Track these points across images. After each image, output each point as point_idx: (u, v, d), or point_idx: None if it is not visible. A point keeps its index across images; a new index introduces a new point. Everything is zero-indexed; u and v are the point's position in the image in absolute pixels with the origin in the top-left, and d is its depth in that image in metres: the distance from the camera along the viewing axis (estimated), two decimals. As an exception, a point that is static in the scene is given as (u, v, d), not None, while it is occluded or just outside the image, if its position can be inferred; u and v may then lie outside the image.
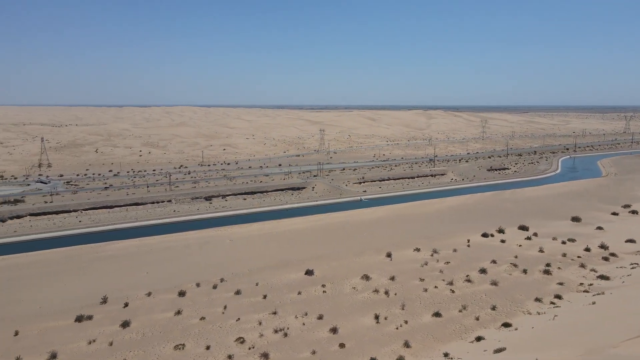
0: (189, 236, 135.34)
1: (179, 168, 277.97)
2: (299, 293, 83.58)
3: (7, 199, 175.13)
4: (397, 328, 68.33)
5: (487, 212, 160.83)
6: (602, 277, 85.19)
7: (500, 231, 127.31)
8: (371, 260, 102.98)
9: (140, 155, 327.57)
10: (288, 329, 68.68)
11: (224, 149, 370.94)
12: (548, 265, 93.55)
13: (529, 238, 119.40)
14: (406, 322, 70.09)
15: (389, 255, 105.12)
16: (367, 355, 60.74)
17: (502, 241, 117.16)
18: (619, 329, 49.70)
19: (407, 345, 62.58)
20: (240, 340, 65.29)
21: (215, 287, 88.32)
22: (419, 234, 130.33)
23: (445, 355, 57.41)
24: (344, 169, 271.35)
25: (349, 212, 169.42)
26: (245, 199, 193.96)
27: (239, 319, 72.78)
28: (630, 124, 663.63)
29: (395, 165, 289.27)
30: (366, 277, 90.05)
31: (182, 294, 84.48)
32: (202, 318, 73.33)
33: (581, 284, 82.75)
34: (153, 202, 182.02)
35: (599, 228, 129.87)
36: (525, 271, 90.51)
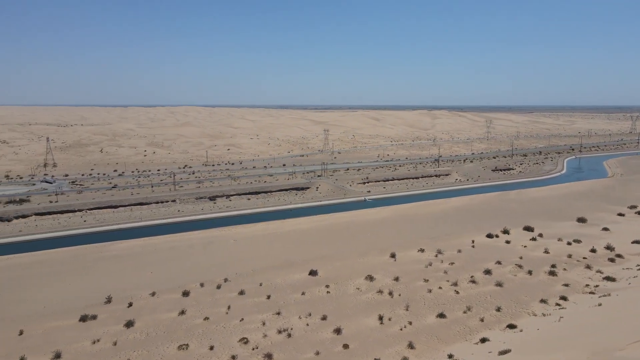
0: (193, 236, 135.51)
1: (184, 168, 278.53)
2: (303, 293, 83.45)
3: (12, 198, 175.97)
4: (401, 329, 68.07)
5: (491, 213, 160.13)
6: (608, 278, 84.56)
7: (505, 232, 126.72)
8: (375, 260, 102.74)
9: (145, 155, 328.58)
10: (292, 329, 68.57)
11: (228, 149, 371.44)
12: (553, 266, 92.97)
13: (534, 239, 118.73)
14: (410, 323, 69.82)
15: (393, 255, 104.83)
16: (371, 356, 60.53)
17: (507, 242, 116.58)
18: (626, 331, 49.21)
19: (411, 346, 62.32)
20: (244, 341, 65.24)
21: (219, 287, 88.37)
22: (423, 235, 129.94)
23: (450, 356, 57.11)
24: (348, 169, 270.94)
25: (353, 212, 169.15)
26: (249, 199, 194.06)
27: (242, 319, 72.75)
28: (636, 124, 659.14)
29: (400, 166, 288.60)
30: (370, 278, 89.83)
31: (186, 294, 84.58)
32: (206, 318, 73.35)
33: (587, 285, 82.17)
34: (157, 202, 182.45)
35: (605, 229, 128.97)
36: (530, 272, 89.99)
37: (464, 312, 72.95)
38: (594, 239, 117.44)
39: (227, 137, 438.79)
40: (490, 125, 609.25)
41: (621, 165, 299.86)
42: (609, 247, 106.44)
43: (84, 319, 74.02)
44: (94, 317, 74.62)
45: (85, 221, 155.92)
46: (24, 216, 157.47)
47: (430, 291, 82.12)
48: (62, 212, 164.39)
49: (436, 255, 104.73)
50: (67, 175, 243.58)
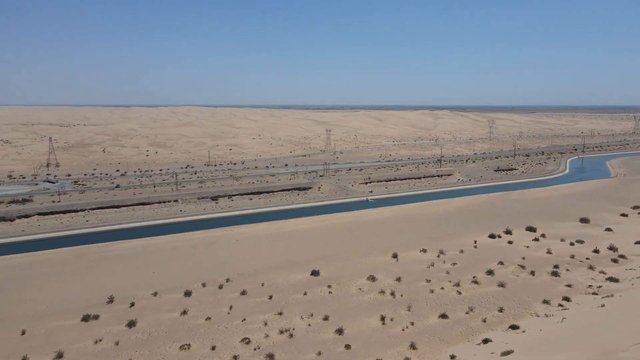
0: (195, 236, 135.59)
1: (186, 168, 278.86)
2: (305, 294, 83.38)
3: (15, 198, 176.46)
4: (403, 329, 67.92)
5: (494, 213, 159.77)
6: (611, 279, 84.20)
7: (508, 232, 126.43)
8: (377, 260, 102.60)
9: (147, 155, 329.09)
10: (294, 329, 68.50)
11: (231, 149, 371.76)
12: (556, 266, 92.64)
13: (536, 239, 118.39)
14: (412, 323, 69.66)
15: (395, 256, 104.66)
16: (373, 356, 60.40)
17: (510, 242, 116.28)
18: (629, 332, 48.97)
19: (413, 346, 62.16)
20: (246, 341, 65.20)
21: (221, 287, 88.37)
22: (425, 235, 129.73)
23: (452, 357, 56.94)
24: (350, 169, 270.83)
25: (355, 212, 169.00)
26: (251, 199, 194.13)
27: (244, 319, 72.72)
28: (639, 125, 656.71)
29: (402, 166, 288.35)
30: (372, 278, 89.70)
31: (188, 294, 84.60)
32: (208, 318, 73.34)
33: (590, 286, 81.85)
34: (160, 202, 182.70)
35: (608, 229, 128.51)
36: (533, 273, 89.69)
37: (466, 313, 72.74)
38: (597, 239, 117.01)
39: (230, 137, 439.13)
40: (493, 125, 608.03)
41: (624, 165, 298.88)
42: (612, 248, 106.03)
43: (86, 318, 74.12)
44: (96, 317, 74.71)
45: (87, 221, 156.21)
46: (26, 216, 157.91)
47: (432, 291, 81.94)
48: (64, 212, 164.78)
49: (438, 256, 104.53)
50: (69, 175, 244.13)
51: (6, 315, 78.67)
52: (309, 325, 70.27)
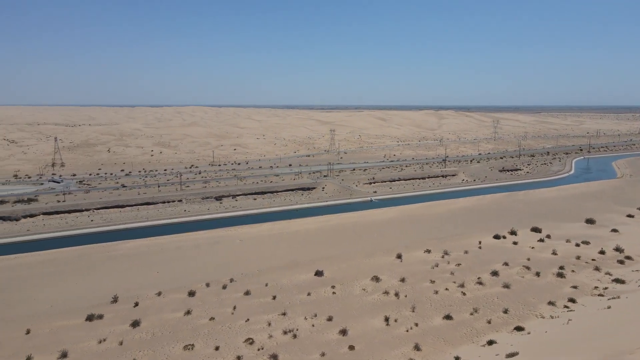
0: (199, 236, 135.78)
1: (190, 168, 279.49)
2: (309, 294, 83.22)
3: (21, 197, 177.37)
4: (407, 330, 67.63)
5: (498, 214, 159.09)
6: (617, 280, 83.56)
7: (513, 233, 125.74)
8: (381, 261, 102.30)
9: (152, 155, 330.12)
10: (297, 330, 68.36)
11: (235, 149, 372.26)
12: (561, 268, 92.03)
13: (541, 240, 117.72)
14: (416, 324, 69.34)
15: (399, 256, 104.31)
16: (377, 357, 60.17)
17: (515, 243, 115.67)
18: (636, 334, 48.52)
19: (417, 348, 61.86)
20: (250, 341, 65.12)
21: (224, 287, 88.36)
22: (429, 235, 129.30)
23: (456, 358, 56.60)
24: (354, 169, 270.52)
25: (359, 212, 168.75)
26: (255, 199, 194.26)
27: (248, 319, 72.64)
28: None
29: (406, 166, 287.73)
30: (376, 279, 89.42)
31: (191, 294, 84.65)
32: (212, 318, 73.32)
33: (596, 287, 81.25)
34: (164, 202, 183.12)
35: (614, 230, 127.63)
36: (538, 274, 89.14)
37: (471, 314, 72.36)
38: (602, 240, 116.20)
39: (234, 137, 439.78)
40: (498, 125, 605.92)
41: (630, 165, 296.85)
42: (618, 249, 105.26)
43: (90, 318, 74.27)
44: (100, 317, 74.85)
45: (92, 221, 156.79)
46: (31, 215, 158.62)
47: (436, 292, 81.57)
48: (69, 212, 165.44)
49: (443, 256, 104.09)
50: (74, 175, 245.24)
51: (11, 315, 79.04)
52: (313, 325, 70.11)
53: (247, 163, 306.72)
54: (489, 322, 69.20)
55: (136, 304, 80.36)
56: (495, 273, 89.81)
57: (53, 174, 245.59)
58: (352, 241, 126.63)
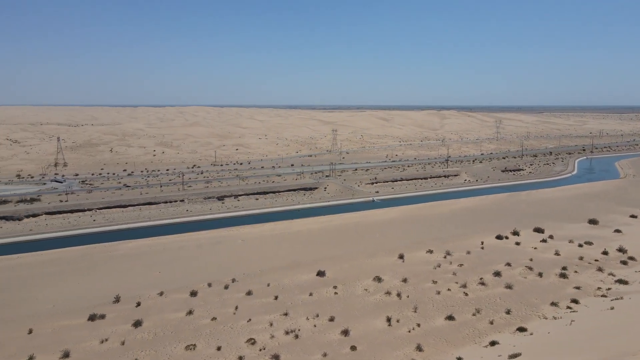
0: (201, 236, 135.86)
1: (192, 168, 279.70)
2: (311, 294, 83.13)
3: (23, 197, 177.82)
4: (409, 331, 67.48)
5: (501, 214, 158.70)
6: (620, 281, 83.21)
7: (515, 233, 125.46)
8: (383, 261, 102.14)
9: (154, 155, 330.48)
10: (299, 330, 68.29)
11: (237, 149, 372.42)
12: (564, 268, 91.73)
13: (544, 240, 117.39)
14: (419, 325, 69.18)
15: (401, 256, 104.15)
16: (379, 358, 60.05)
17: (517, 243, 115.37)
18: (639, 335, 48.30)
19: (419, 349, 61.72)
20: (251, 342, 65.08)
21: (226, 287, 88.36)
22: (431, 236, 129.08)
23: (459, 359, 56.47)
24: (356, 170, 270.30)
25: (361, 212, 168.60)
26: (257, 199, 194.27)
27: (250, 319, 72.61)
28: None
29: (408, 166, 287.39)
30: (378, 279, 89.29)
31: (193, 294, 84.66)
32: (214, 318, 73.32)
33: (599, 288, 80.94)
34: (166, 202, 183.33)
35: (617, 231, 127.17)
36: (540, 274, 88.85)
37: (473, 315, 72.16)
38: (605, 241, 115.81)
39: (236, 137, 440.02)
40: (500, 125, 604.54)
41: (634, 166, 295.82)
42: (621, 250, 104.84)
43: (92, 318, 74.37)
44: (103, 317, 74.94)
45: (94, 220, 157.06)
46: (34, 215, 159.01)
47: (438, 293, 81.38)
48: (72, 212, 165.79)
49: (445, 257, 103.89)
50: (77, 175, 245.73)
51: (13, 314, 79.20)
52: (315, 326, 70.04)
53: (249, 163, 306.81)
54: (492, 322, 69.00)
55: (138, 304, 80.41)
56: (497, 273, 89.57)
57: (56, 174, 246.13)
58: (354, 241, 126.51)
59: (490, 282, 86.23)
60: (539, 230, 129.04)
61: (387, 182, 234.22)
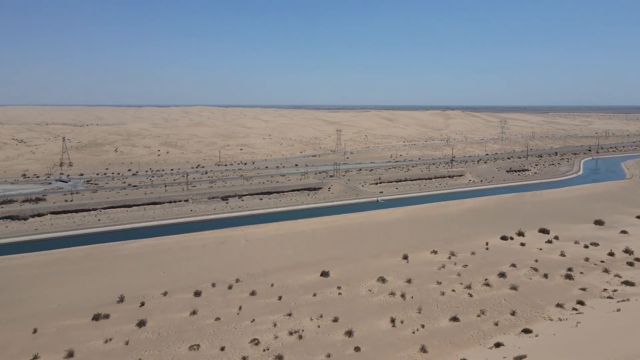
0: (205, 236, 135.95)
1: (197, 168, 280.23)
2: (314, 295, 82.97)
3: (29, 197, 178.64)
4: (413, 332, 67.18)
5: (506, 215, 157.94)
6: (626, 282, 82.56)
7: (520, 234, 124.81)
8: (387, 262, 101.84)
9: (159, 155, 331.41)
10: (303, 331, 68.13)
11: (241, 149, 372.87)
12: (570, 269, 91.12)
13: (549, 241, 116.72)
14: (423, 326, 68.87)
15: (405, 257, 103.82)
16: (383, 359, 59.78)
17: (522, 244, 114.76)
18: (646, 338, 47.83)
19: (423, 350, 61.42)
20: (255, 342, 64.99)
21: (230, 287, 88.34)
22: (436, 236, 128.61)
23: (463, 361, 56.14)
24: (360, 170, 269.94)
25: (365, 213, 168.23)
26: (261, 199, 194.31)
27: (253, 320, 72.52)
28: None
29: (413, 166, 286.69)
30: (382, 280, 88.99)
31: (197, 294, 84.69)
32: (217, 319, 73.29)
33: (605, 289, 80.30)
34: (170, 202, 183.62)
35: (623, 232, 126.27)
36: (546, 276, 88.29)
37: (478, 316, 71.76)
38: (611, 242, 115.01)
39: (240, 137, 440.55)
40: (505, 125, 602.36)
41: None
42: (627, 251, 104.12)
43: (96, 317, 74.53)
44: (107, 317, 75.09)
45: (99, 220, 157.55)
46: (39, 215, 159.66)
47: (443, 294, 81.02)
48: (76, 211, 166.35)
49: (449, 257, 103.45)
50: (82, 175, 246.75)
51: (18, 314, 79.48)
52: (319, 326, 69.86)
53: (253, 163, 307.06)
54: (496, 324, 68.60)
55: (142, 304, 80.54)
56: (502, 274, 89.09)
57: (61, 174, 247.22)
58: (358, 242, 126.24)
59: (495, 283, 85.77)
60: (544, 231, 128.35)
61: (392, 182, 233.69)
